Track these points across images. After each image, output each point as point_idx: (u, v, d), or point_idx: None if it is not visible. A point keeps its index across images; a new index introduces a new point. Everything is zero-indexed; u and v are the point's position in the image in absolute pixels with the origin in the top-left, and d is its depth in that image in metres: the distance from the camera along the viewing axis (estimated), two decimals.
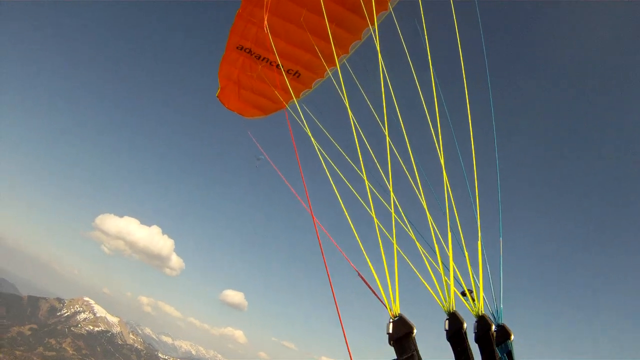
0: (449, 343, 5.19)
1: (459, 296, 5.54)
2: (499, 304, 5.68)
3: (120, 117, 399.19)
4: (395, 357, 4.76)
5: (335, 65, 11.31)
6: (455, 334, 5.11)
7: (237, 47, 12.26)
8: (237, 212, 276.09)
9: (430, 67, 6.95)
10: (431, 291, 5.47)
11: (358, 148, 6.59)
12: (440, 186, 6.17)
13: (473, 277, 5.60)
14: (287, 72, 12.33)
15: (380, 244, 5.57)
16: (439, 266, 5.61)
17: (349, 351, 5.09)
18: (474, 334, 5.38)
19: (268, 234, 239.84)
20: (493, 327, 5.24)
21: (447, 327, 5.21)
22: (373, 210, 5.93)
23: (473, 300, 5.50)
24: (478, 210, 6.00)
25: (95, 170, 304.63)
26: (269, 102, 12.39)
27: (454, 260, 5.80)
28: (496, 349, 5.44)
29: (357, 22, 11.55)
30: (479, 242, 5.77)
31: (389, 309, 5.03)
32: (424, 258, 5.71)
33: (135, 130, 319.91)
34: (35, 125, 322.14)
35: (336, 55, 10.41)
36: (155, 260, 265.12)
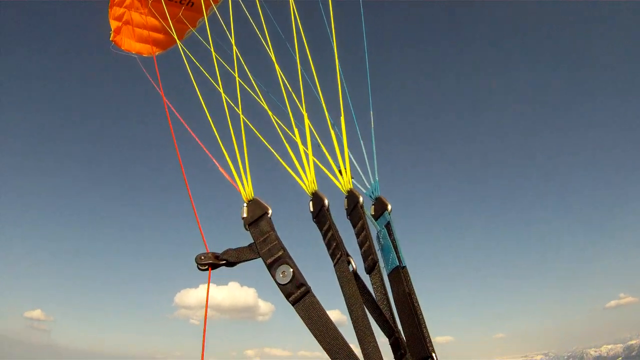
0: (315, 225, 4.72)
1: (327, 175, 5.03)
2: (373, 176, 5.19)
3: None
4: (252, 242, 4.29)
5: None
6: (318, 213, 4.62)
7: None
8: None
9: None
10: (292, 173, 4.91)
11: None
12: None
13: (340, 152, 5.06)
14: (180, 2, 11.46)
15: (232, 131, 4.98)
16: (302, 146, 5.06)
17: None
18: (345, 211, 4.92)
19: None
20: (361, 199, 4.75)
21: (311, 209, 4.72)
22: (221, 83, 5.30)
23: (341, 174, 4.99)
24: (339, 80, 5.39)
25: (158, 253, 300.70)
26: (165, 36, 11.54)
27: (321, 139, 5.25)
28: (374, 222, 5.01)
29: None
30: (342, 117, 5.20)
31: (242, 193, 4.51)
32: (282, 136, 5.14)
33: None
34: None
35: None
36: (245, 312, 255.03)
